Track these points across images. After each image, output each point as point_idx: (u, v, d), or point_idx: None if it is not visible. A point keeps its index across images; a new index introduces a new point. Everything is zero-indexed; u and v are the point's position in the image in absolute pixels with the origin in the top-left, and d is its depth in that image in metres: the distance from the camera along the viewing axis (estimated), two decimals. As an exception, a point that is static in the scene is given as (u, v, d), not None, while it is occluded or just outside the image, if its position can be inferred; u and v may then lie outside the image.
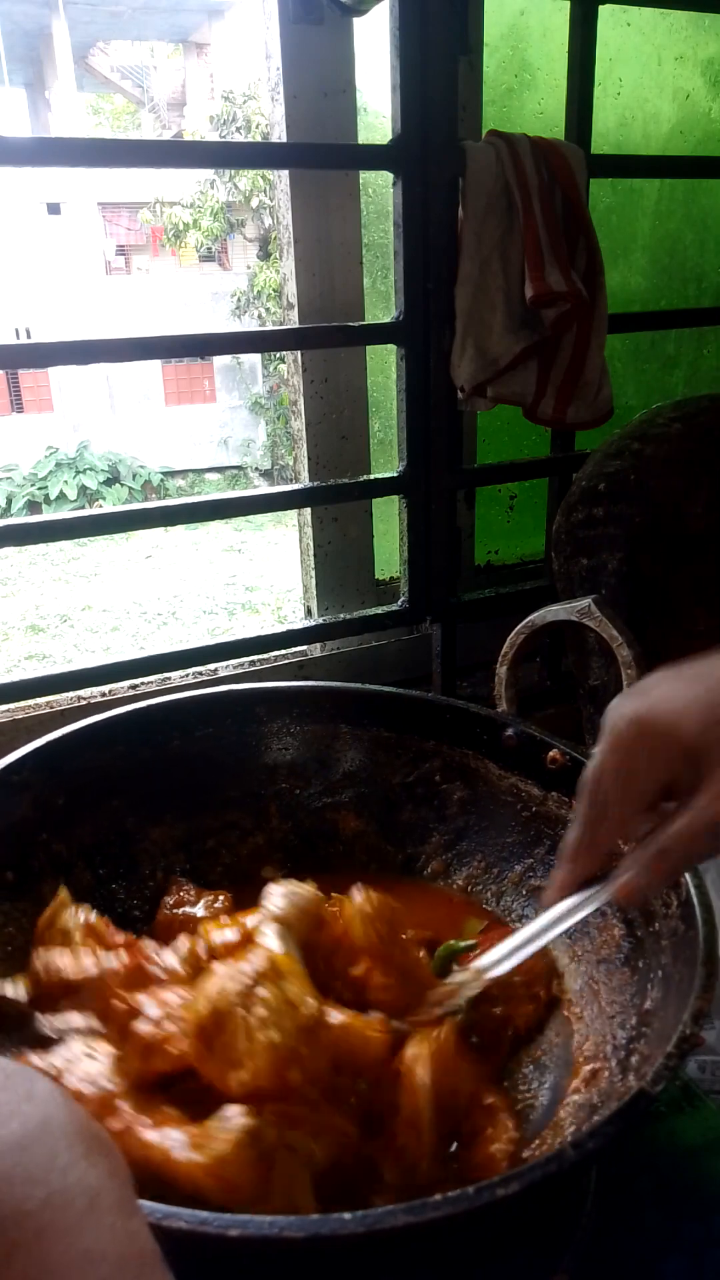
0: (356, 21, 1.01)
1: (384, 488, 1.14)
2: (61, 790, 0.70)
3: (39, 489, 12.18)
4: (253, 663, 1.20)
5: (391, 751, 0.82)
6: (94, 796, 0.73)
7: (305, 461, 1.15)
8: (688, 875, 0.56)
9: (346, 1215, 0.37)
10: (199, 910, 0.67)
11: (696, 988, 0.48)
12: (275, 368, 13.49)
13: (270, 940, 0.49)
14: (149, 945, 0.56)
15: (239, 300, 13.33)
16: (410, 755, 0.82)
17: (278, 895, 0.55)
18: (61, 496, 12.07)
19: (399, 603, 1.19)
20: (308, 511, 1.18)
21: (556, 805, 0.73)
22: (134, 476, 12.69)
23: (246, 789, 0.81)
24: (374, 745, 0.83)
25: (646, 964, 0.59)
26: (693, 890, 0.55)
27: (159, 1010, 0.48)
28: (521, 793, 0.76)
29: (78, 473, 12.34)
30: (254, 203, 12.54)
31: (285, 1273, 0.39)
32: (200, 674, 1.14)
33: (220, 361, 13.98)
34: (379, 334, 1.08)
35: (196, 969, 0.51)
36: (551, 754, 0.73)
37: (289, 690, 0.83)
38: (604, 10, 1.09)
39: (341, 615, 1.18)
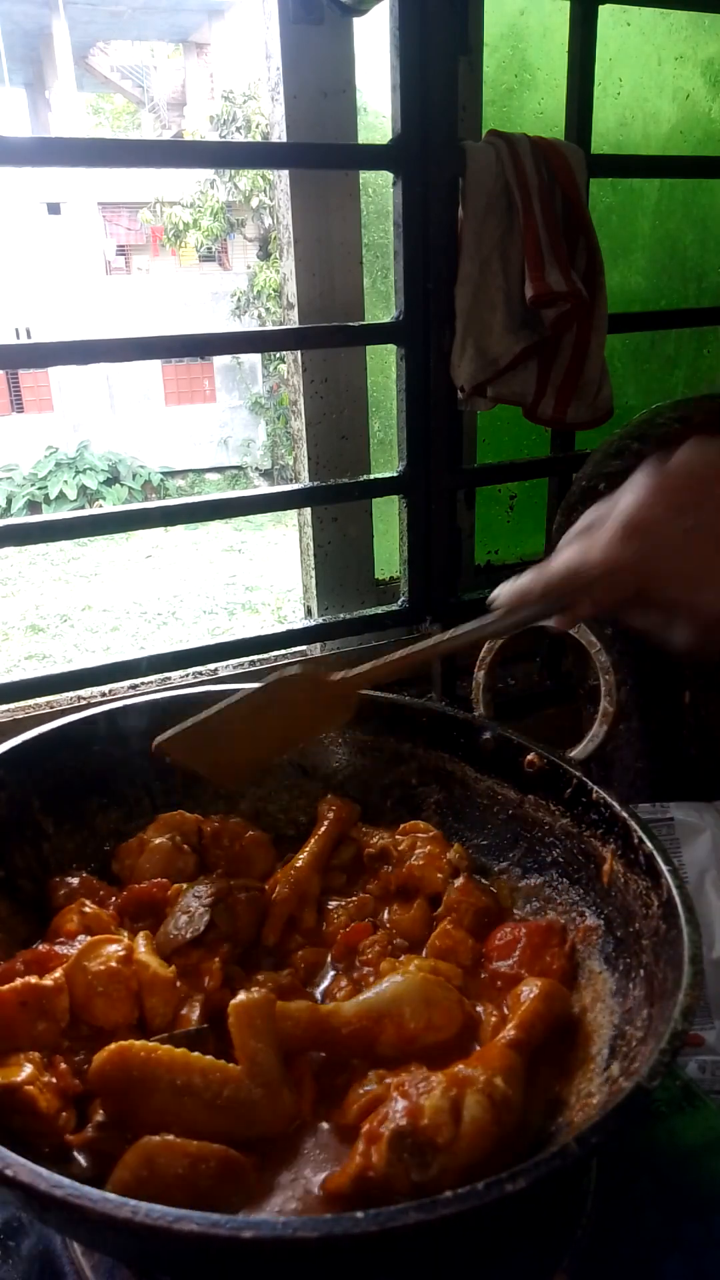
0: (356, 21, 1.01)
1: (384, 488, 1.14)
2: (36, 791, 0.70)
3: (39, 489, 12.17)
4: (253, 662, 1.20)
5: (368, 754, 0.82)
6: (69, 797, 0.73)
7: (305, 461, 1.15)
8: (669, 875, 0.56)
9: (359, 1214, 0.37)
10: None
11: (684, 985, 0.48)
12: (275, 368, 13.48)
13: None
14: None
15: (239, 300, 13.32)
16: (387, 758, 0.82)
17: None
18: (61, 496, 12.07)
19: (399, 602, 1.19)
20: (308, 511, 1.18)
21: (534, 808, 0.73)
22: (134, 476, 12.68)
23: (223, 790, 0.81)
24: (351, 747, 0.83)
25: (628, 964, 0.59)
26: (674, 890, 0.55)
27: None
28: (499, 795, 0.76)
29: (78, 473, 12.33)
30: (254, 203, 12.53)
31: (297, 1271, 0.39)
32: (200, 674, 1.14)
33: (220, 361, 13.97)
34: (379, 334, 1.08)
35: None
36: (529, 757, 0.73)
37: None
38: (604, 10, 1.09)
39: (341, 615, 1.18)
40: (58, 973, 0.56)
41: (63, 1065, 0.53)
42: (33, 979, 0.55)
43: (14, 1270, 0.56)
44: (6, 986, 0.54)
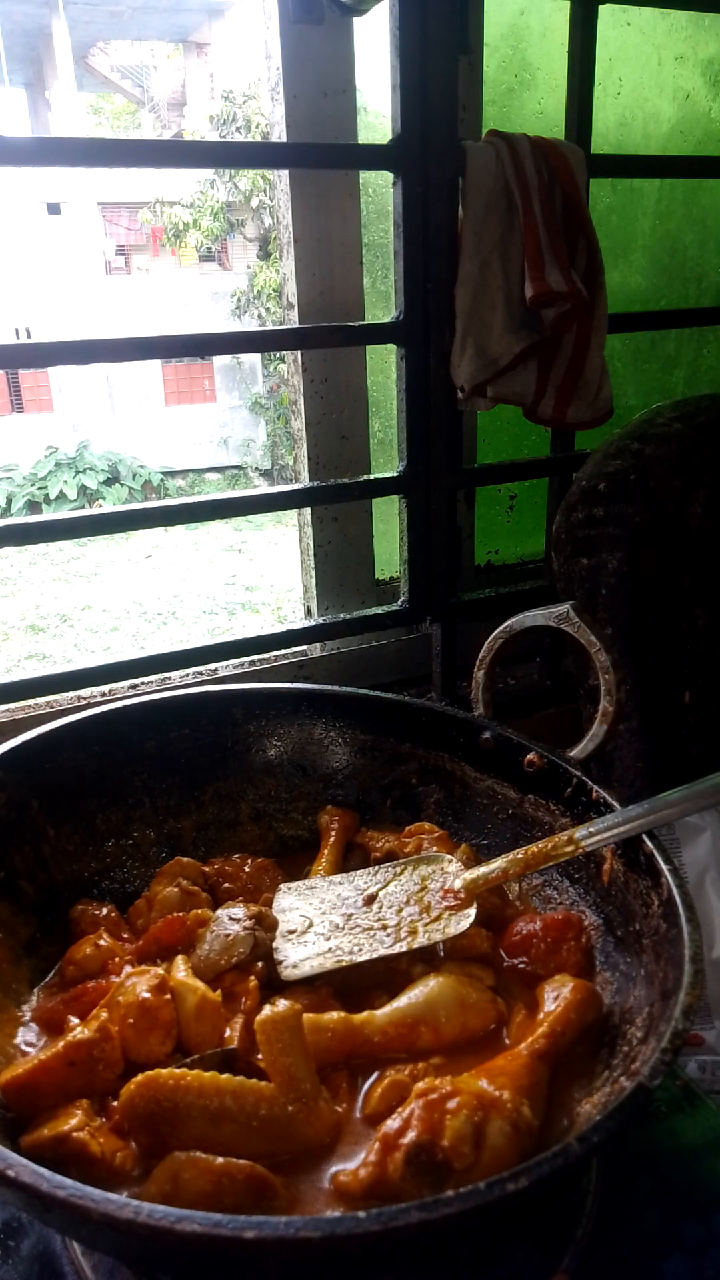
0: (356, 21, 1.01)
1: (384, 488, 1.14)
2: (35, 791, 0.70)
3: (39, 489, 12.17)
4: (253, 662, 1.20)
5: (368, 754, 0.82)
6: (68, 798, 0.73)
7: (305, 461, 1.15)
8: (669, 875, 0.56)
9: (361, 1214, 0.37)
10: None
11: (685, 984, 0.48)
12: (275, 368, 13.48)
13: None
14: None
15: (239, 300, 13.33)
16: (387, 757, 0.82)
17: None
18: (61, 496, 12.07)
19: (399, 603, 1.19)
20: (308, 511, 1.18)
21: (534, 807, 0.73)
22: (134, 476, 12.68)
23: (223, 791, 0.81)
24: (351, 747, 0.83)
25: (628, 964, 0.59)
26: (675, 890, 0.55)
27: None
28: (499, 795, 0.76)
29: (78, 473, 12.34)
30: (254, 203, 12.53)
31: (299, 1271, 0.39)
32: (200, 674, 1.14)
33: (220, 361, 13.97)
34: (379, 334, 1.08)
35: None
36: (529, 757, 0.73)
37: (265, 692, 0.83)
38: (604, 10, 1.09)
39: (341, 615, 1.18)
40: (103, 1015, 0.55)
41: (114, 1103, 0.52)
42: (81, 1034, 0.54)
43: (14, 1270, 0.56)
44: (51, 1053, 0.53)
